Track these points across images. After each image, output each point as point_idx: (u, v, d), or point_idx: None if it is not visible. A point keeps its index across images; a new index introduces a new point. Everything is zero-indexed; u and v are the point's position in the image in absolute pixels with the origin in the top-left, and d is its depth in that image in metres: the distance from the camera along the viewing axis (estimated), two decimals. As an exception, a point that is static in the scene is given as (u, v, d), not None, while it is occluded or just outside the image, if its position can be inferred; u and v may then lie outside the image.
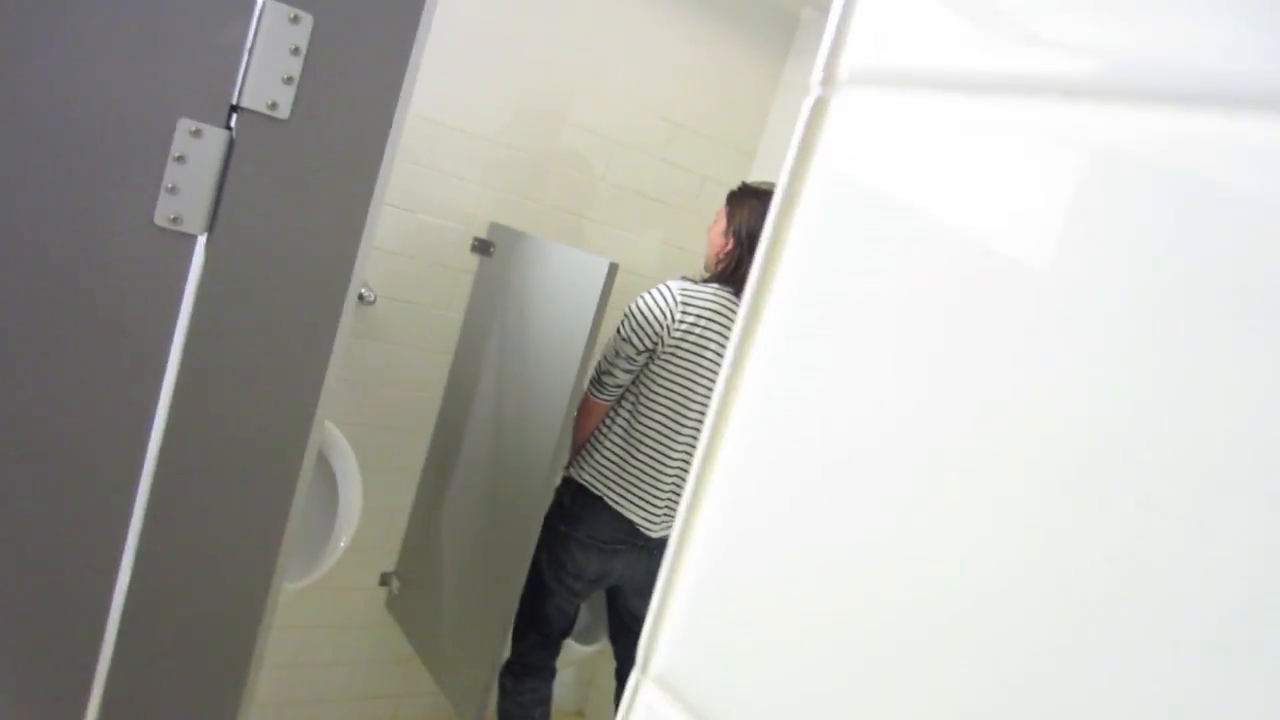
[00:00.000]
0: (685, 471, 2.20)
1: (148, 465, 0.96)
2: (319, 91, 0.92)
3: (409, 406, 2.41)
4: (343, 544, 1.96)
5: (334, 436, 2.13)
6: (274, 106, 0.89)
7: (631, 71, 2.49)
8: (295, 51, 0.89)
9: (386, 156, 0.98)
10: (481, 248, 2.37)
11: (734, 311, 2.12)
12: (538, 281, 2.16)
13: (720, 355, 2.10)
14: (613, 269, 1.90)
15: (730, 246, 2.14)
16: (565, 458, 2.18)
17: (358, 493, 2.10)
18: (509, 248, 2.29)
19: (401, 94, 0.98)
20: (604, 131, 2.50)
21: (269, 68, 0.88)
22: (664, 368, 2.09)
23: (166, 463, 0.97)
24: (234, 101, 0.88)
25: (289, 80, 0.90)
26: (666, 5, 2.50)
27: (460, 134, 2.26)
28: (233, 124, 0.89)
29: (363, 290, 2.19)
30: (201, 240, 0.90)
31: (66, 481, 0.93)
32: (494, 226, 2.36)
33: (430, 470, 2.47)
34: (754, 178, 2.77)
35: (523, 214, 2.42)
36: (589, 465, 2.21)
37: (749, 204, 2.13)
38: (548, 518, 2.24)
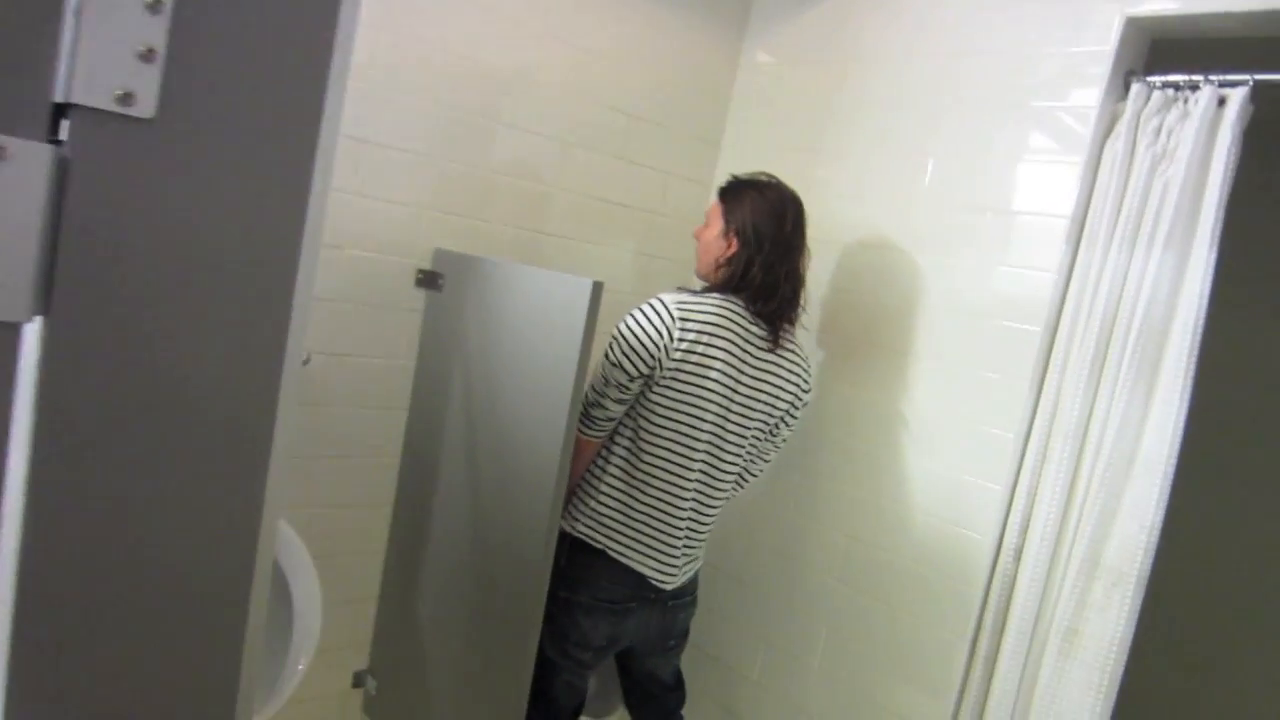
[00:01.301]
0: (700, 512, 1.90)
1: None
2: (202, 71, 0.58)
3: (361, 477, 2.05)
4: (301, 665, 1.60)
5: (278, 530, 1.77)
6: (128, 99, 0.55)
7: (574, 63, 2.17)
8: (154, 7, 0.55)
9: (319, 165, 0.64)
10: (428, 280, 2.01)
11: (741, 323, 1.82)
12: (504, 312, 1.83)
13: (727, 374, 1.80)
14: (597, 288, 1.59)
15: (734, 249, 1.86)
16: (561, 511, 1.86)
17: (315, 593, 1.73)
18: (461, 277, 1.95)
19: (333, 70, 0.64)
20: (551, 133, 2.17)
21: (113, 37, 0.54)
22: (664, 394, 1.79)
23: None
24: (57, 97, 0.53)
25: (148, 55, 0.55)
26: (604, -16, 2.19)
27: (387, 151, 1.91)
28: (62, 133, 0.54)
29: (292, 348, 1.82)
30: (32, 329, 0.55)
31: None
32: (440, 254, 2.01)
33: (396, 547, 2.11)
34: (722, 169, 2.48)
35: (471, 236, 2.07)
36: (585, 514, 1.89)
37: (749, 198, 1.87)
38: None
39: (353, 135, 1.85)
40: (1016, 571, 1.85)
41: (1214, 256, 1.65)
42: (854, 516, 2.15)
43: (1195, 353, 1.66)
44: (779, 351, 1.89)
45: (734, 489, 2.00)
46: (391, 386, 2.04)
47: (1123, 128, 1.77)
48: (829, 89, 2.29)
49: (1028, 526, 1.84)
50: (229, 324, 0.66)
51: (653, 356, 1.76)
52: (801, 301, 1.91)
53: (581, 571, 1.88)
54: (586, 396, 1.83)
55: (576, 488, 1.92)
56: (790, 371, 1.91)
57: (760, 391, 1.87)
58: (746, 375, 1.85)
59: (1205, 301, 1.66)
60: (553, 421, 1.65)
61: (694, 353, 1.77)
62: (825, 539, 2.21)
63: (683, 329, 1.77)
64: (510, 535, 1.78)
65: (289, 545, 1.77)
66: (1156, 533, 1.67)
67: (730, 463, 1.90)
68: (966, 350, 1.95)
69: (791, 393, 1.93)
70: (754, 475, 2.08)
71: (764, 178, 1.92)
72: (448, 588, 1.95)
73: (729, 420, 1.85)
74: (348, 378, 1.96)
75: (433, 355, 2.02)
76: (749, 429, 1.89)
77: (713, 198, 1.97)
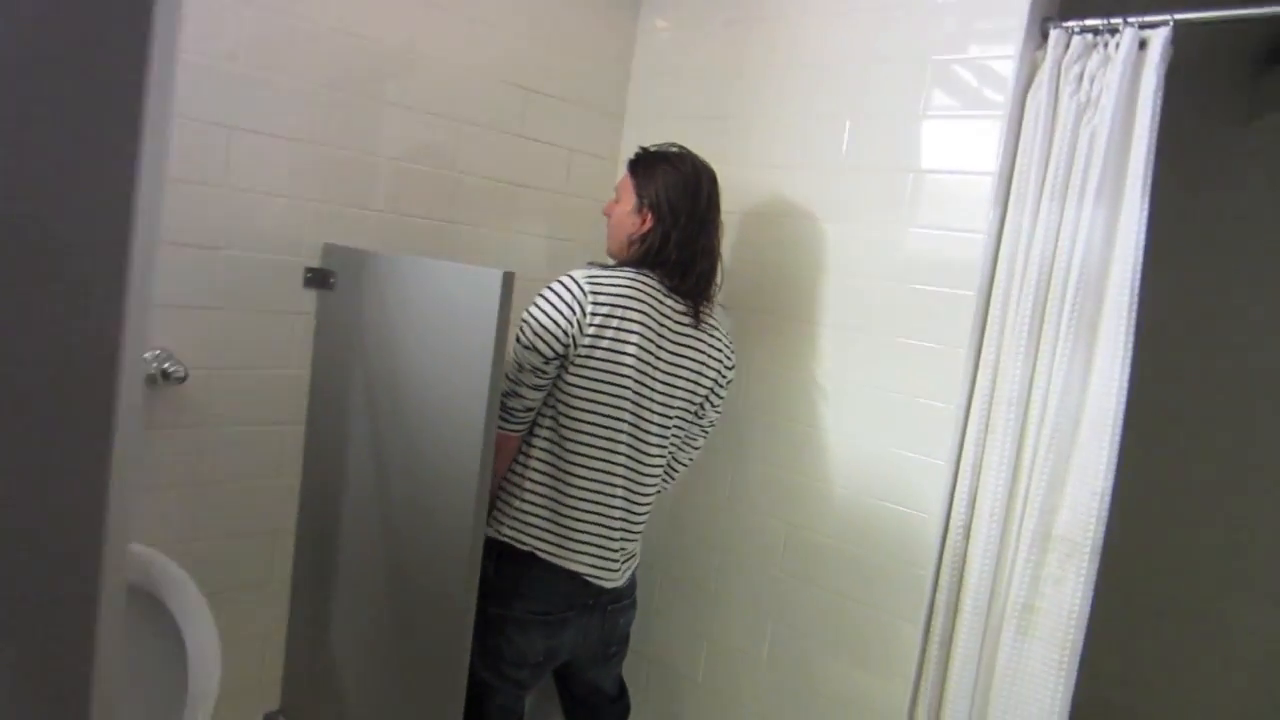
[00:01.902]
0: (632, 500, 1.79)
1: None
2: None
3: (257, 502, 1.85)
4: (202, 723, 1.41)
5: (162, 568, 1.57)
6: None
7: (462, 36, 2.00)
8: None
9: (149, 152, 0.48)
10: (317, 279, 1.82)
11: (656, 297, 1.73)
12: (406, 310, 1.66)
13: (644, 349, 1.71)
14: (508, 280, 1.44)
15: (648, 225, 1.76)
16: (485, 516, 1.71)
17: (211, 637, 1.54)
18: (355, 274, 1.77)
19: (155, 34, 0.48)
20: (443, 112, 1.99)
21: None
22: (581, 375, 1.68)
23: None
24: None
25: None
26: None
27: (262, 138, 1.71)
28: None
29: (167, 365, 1.63)
30: None
31: None
32: (329, 249, 1.82)
33: (303, 575, 1.92)
34: (627, 143, 2.34)
35: (363, 228, 1.89)
36: (510, 515, 1.76)
37: (660, 171, 1.78)
38: None
39: (222, 122, 1.64)
40: (967, 549, 1.77)
41: (1147, 206, 1.60)
42: (792, 502, 2.05)
43: (1134, 308, 1.60)
44: (700, 328, 1.80)
45: (663, 479, 1.90)
46: (284, 399, 1.85)
47: (1044, 77, 1.70)
48: (732, 53, 2.17)
49: (975, 501, 1.77)
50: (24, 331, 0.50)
51: (566, 334, 1.65)
52: (718, 277, 1.82)
53: (511, 582, 1.74)
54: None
55: (499, 489, 1.79)
56: (711, 348, 1.82)
57: (681, 369, 1.78)
58: (665, 352, 1.75)
59: (1141, 254, 1.60)
60: (469, 426, 1.50)
61: (608, 328, 1.67)
62: (763, 527, 2.11)
63: (595, 304, 1.66)
64: (431, 551, 1.62)
65: (177, 586, 1.57)
66: (1108, 499, 1.61)
67: (656, 445, 1.79)
68: (900, 320, 1.87)
69: (715, 369, 1.84)
70: (683, 465, 1.99)
71: (674, 149, 1.83)
72: (364, 613, 1.78)
73: (651, 399, 1.74)
74: (233, 393, 1.76)
75: (329, 362, 1.84)
76: (673, 409, 1.79)
77: (621, 171, 1.85)
